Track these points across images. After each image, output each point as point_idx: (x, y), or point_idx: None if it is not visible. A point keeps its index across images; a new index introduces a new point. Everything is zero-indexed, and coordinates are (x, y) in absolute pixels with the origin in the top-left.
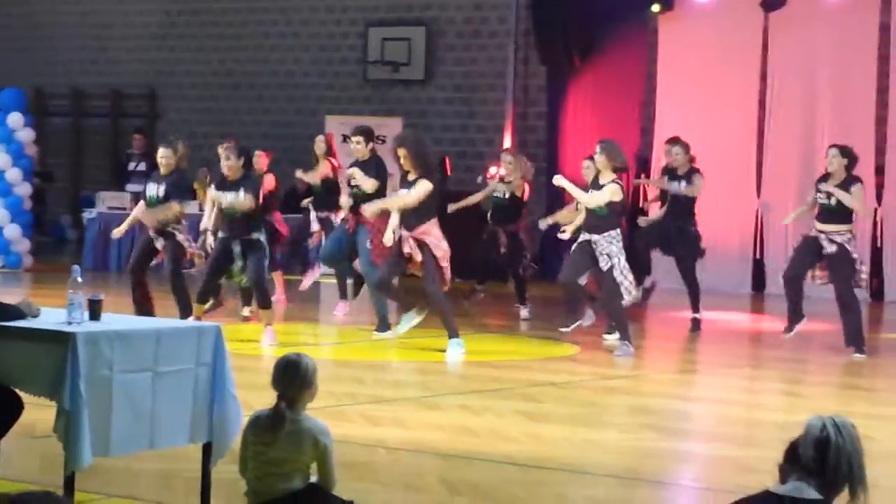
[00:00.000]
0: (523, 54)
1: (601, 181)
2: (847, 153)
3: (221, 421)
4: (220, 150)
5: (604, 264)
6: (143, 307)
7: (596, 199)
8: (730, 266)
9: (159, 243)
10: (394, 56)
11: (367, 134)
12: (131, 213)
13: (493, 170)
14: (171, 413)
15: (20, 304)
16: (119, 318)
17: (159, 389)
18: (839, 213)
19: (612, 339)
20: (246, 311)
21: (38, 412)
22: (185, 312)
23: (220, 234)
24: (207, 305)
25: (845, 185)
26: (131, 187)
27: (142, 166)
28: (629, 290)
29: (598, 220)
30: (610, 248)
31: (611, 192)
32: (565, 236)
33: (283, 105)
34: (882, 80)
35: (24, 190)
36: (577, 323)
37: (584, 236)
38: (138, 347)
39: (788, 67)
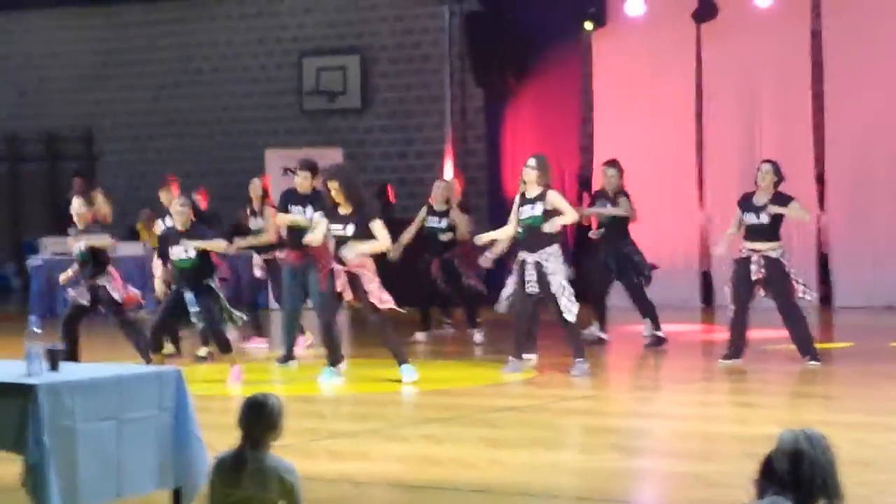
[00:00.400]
0: (459, 77)
1: (531, 194)
2: (778, 170)
3: (188, 465)
4: (175, 206)
5: (555, 288)
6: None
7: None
8: (677, 279)
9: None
10: (329, 85)
11: (314, 169)
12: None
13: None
14: (138, 460)
15: None
16: (78, 367)
17: (124, 437)
18: (769, 231)
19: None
20: (202, 352)
21: (5, 466)
22: (147, 356)
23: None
24: (167, 351)
25: (780, 201)
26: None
27: None
28: (572, 310)
29: (538, 237)
30: (556, 266)
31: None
32: (490, 259)
33: (220, 140)
34: (817, 86)
35: None
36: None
37: (528, 256)
38: (100, 396)
39: (723, 78)
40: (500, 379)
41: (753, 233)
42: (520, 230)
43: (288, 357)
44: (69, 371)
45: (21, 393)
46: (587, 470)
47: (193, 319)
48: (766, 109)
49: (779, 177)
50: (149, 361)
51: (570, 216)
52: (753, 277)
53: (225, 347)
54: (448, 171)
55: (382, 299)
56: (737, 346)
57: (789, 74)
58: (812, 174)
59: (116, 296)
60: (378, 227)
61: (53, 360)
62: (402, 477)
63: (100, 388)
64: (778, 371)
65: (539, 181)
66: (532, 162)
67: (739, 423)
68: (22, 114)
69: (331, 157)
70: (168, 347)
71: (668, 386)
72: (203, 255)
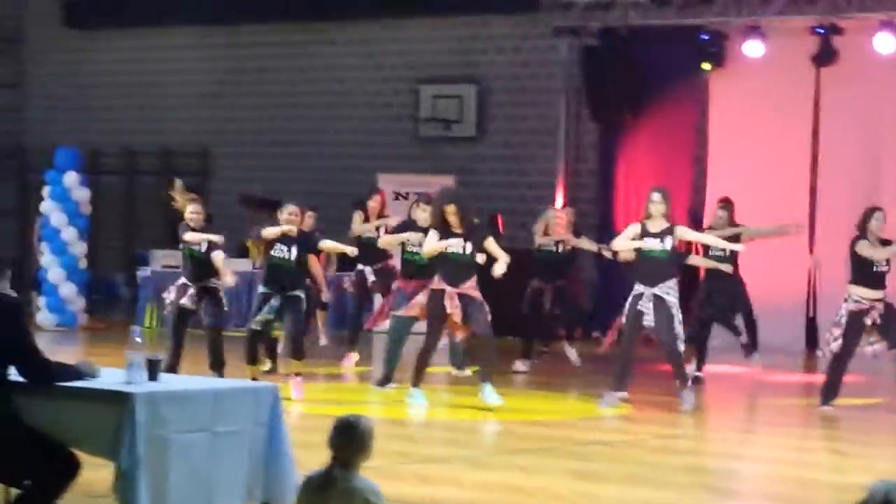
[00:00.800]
0: (574, 111)
1: (656, 228)
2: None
3: (278, 481)
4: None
5: (675, 322)
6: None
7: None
8: (782, 323)
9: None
10: (445, 113)
11: None
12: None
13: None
14: (228, 473)
15: (79, 365)
16: (177, 379)
17: (216, 449)
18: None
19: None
20: (266, 366)
21: (95, 472)
22: (221, 370)
23: (261, 289)
24: (263, 367)
25: None
26: None
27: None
28: (682, 342)
29: (661, 270)
30: (675, 300)
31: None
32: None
33: (333, 163)
34: None
35: (79, 249)
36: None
37: (646, 289)
38: (196, 407)
39: (841, 123)
40: (596, 412)
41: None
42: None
43: (386, 380)
44: (167, 382)
45: (119, 400)
46: None
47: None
48: (884, 157)
49: None
50: (222, 375)
51: (713, 241)
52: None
53: (299, 354)
54: (559, 204)
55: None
56: (836, 389)
57: None
58: None
59: (224, 301)
60: (492, 244)
61: (153, 369)
62: None
63: (196, 399)
64: (878, 420)
65: (665, 215)
66: (657, 196)
67: (834, 470)
68: (140, 129)
69: (444, 184)
70: (265, 363)
71: (764, 429)
72: (301, 261)
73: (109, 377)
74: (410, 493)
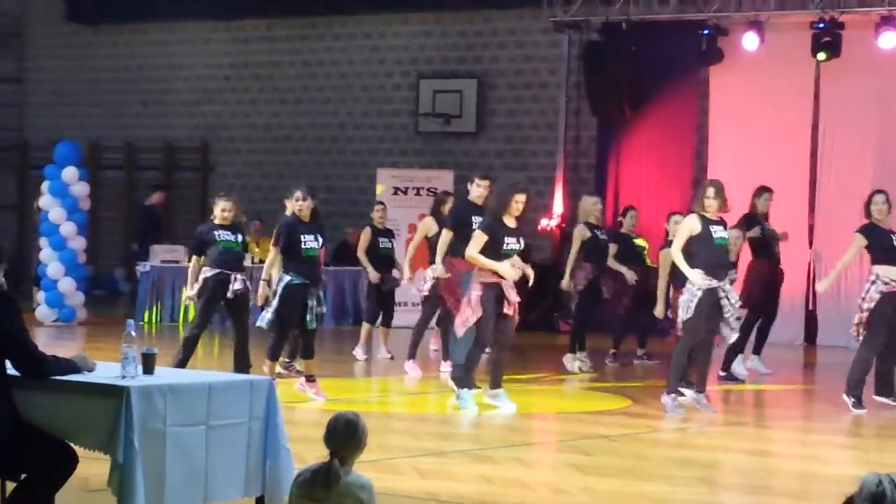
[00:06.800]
0: (574, 106)
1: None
2: None
3: (275, 474)
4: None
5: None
6: None
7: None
8: (781, 317)
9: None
10: (445, 108)
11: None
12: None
13: (544, 222)
14: (225, 467)
15: (75, 359)
16: (172, 372)
17: (213, 443)
18: None
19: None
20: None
21: (92, 466)
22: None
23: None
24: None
25: None
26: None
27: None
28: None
29: (727, 262)
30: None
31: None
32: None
33: (334, 158)
34: None
35: (78, 244)
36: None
37: (714, 283)
38: (191, 401)
39: (841, 116)
40: (595, 407)
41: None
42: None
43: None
44: (162, 375)
45: (114, 394)
46: (674, 501)
47: (310, 320)
48: (884, 151)
49: None
50: (247, 371)
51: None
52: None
53: (311, 353)
54: (558, 198)
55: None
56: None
57: None
58: None
59: (251, 296)
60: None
61: (148, 363)
62: (490, 499)
63: (191, 393)
64: (877, 414)
65: (721, 208)
66: (711, 192)
67: (837, 464)
68: (142, 123)
69: (443, 179)
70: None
71: (764, 423)
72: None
73: (105, 371)
74: (408, 486)
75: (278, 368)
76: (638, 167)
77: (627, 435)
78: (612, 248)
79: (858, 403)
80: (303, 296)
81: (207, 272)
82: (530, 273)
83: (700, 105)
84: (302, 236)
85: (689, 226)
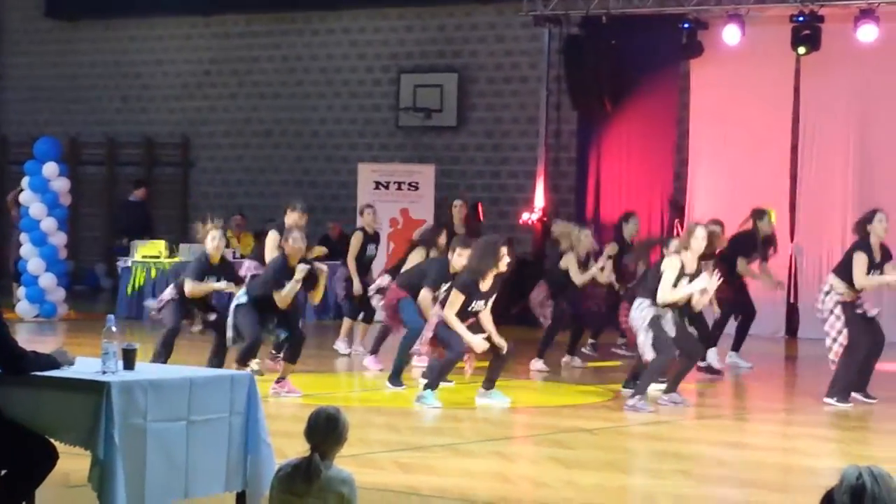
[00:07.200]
0: (555, 100)
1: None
2: None
3: (256, 469)
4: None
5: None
6: None
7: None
8: (763, 311)
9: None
10: (426, 103)
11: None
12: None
13: (525, 216)
14: (206, 462)
15: (54, 354)
16: (153, 368)
17: (193, 438)
18: None
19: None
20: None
21: (72, 461)
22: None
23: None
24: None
25: None
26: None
27: None
28: None
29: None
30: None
31: None
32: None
33: (315, 153)
34: None
35: (59, 239)
36: None
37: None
38: (172, 396)
39: (821, 110)
40: (576, 400)
41: None
42: None
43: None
44: (143, 371)
45: (94, 389)
46: (659, 495)
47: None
48: (864, 145)
49: None
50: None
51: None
52: None
53: (296, 358)
54: (539, 191)
55: None
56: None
57: (890, 109)
58: None
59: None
60: None
61: (129, 358)
62: (472, 493)
63: (172, 388)
64: (859, 407)
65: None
66: (701, 233)
67: (817, 456)
68: (122, 119)
69: (424, 173)
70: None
71: (745, 416)
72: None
73: (86, 366)
74: (390, 481)
75: (267, 361)
76: (618, 161)
77: (608, 428)
78: (612, 248)
79: (843, 398)
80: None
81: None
82: (503, 345)
83: (680, 99)
84: (286, 281)
85: (675, 268)
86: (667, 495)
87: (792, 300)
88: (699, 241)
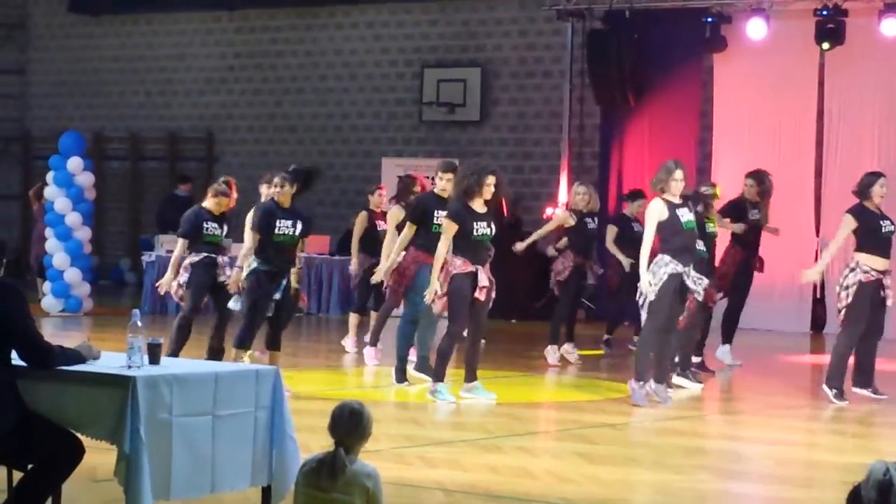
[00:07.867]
0: (578, 94)
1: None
2: None
3: (281, 463)
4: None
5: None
6: None
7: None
8: (789, 305)
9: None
10: (449, 97)
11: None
12: None
13: (549, 210)
14: (232, 456)
15: (80, 348)
16: (178, 362)
17: (219, 433)
18: None
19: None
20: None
21: (99, 456)
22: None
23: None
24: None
25: None
26: None
27: None
28: None
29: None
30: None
31: None
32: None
33: (338, 147)
34: None
35: (83, 234)
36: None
37: (679, 269)
38: (197, 391)
39: (846, 104)
40: (599, 395)
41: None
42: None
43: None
44: (168, 365)
45: (120, 384)
46: (681, 490)
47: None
48: (889, 137)
49: None
50: (221, 356)
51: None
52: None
53: (276, 345)
54: (563, 186)
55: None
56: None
57: None
58: None
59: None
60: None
61: (154, 353)
62: (496, 488)
63: (197, 383)
64: (886, 403)
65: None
66: (680, 174)
67: (837, 451)
68: (146, 114)
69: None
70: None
71: (770, 411)
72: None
73: (111, 361)
74: (415, 476)
75: (256, 353)
76: (641, 155)
77: (631, 423)
78: (612, 231)
79: (840, 395)
80: (269, 283)
81: (194, 258)
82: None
83: (703, 93)
84: (278, 221)
85: (657, 211)
86: (689, 490)
87: (818, 295)
88: (678, 181)
